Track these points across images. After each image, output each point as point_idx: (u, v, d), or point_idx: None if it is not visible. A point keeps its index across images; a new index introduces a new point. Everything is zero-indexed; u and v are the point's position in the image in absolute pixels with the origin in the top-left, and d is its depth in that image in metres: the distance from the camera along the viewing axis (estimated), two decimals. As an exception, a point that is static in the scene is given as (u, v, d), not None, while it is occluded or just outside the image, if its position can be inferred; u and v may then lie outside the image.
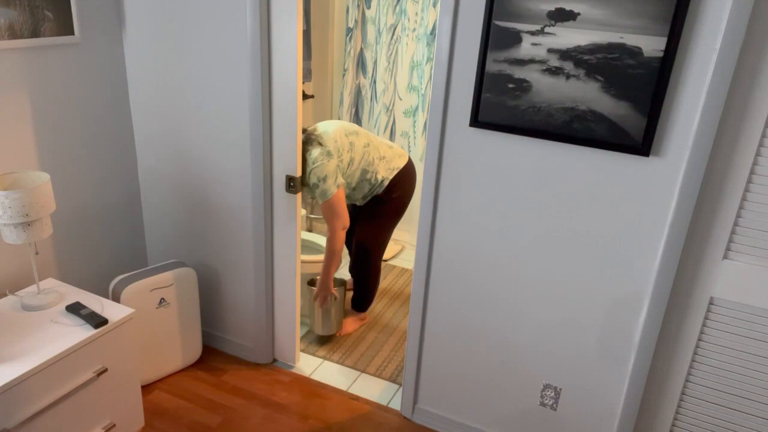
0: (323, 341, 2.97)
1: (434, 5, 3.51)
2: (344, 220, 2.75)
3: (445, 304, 2.24)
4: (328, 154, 2.62)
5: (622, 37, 1.66)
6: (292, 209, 2.48)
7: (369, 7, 3.74)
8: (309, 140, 2.66)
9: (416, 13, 3.59)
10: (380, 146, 2.86)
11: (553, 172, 1.91)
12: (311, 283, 2.94)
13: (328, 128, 2.73)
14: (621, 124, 1.74)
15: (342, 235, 2.78)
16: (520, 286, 2.09)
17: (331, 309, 2.86)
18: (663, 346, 1.96)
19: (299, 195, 2.46)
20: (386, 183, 2.84)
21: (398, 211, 2.94)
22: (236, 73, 2.32)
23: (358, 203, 2.96)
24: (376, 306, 3.35)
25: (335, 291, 2.86)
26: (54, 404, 1.88)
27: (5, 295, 2.21)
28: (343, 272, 3.72)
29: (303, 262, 3.06)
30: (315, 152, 2.61)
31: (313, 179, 2.62)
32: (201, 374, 2.69)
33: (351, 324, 3.10)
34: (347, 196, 2.89)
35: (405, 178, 2.88)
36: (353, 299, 3.12)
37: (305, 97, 3.91)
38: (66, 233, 2.45)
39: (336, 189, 2.66)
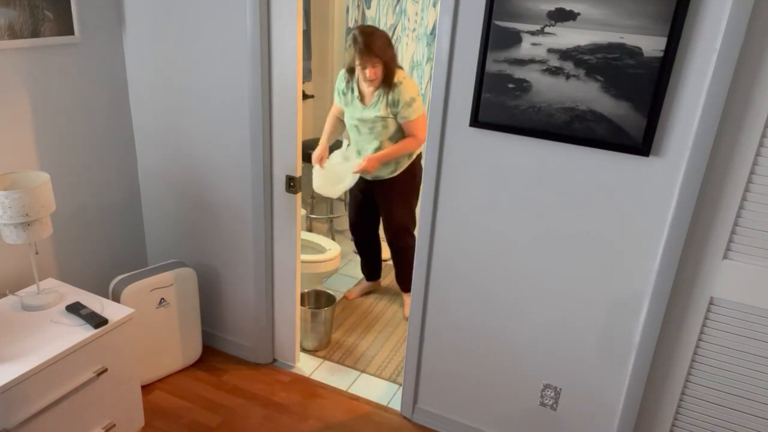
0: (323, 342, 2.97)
1: (434, 5, 3.51)
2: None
3: (445, 304, 2.24)
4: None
5: (622, 37, 1.66)
6: (292, 209, 2.48)
7: (369, 7, 3.74)
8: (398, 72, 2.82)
9: (416, 13, 3.59)
10: None
11: (553, 172, 1.91)
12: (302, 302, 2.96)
13: None
14: (621, 124, 1.74)
15: (421, 145, 2.86)
16: (520, 286, 2.09)
17: (320, 325, 2.86)
18: (663, 346, 1.96)
19: (299, 195, 2.46)
20: (415, 153, 2.96)
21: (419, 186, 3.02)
22: (236, 73, 2.32)
23: (384, 176, 2.98)
24: (377, 306, 3.35)
25: (326, 310, 2.88)
26: (54, 404, 1.88)
27: (5, 295, 2.21)
28: (357, 272, 3.72)
29: (303, 262, 3.06)
30: (402, 72, 2.79)
31: (410, 93, 2.77)
32: (201, 374, 2.69)
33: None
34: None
35: None
36: (402, 279, 3.23)
37: (305, 97, 3.91)
38: (66, 233, 2.45)
39: (425, 108, 2.82)
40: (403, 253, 3.14)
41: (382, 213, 3.11)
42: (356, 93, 2.86)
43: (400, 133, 2.88)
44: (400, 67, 2.85)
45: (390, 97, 2.78)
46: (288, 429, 2.40)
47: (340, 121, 3.11)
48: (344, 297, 3.36)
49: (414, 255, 3.02)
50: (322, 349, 2.93)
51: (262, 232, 2.52)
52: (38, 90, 2.22)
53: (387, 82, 2.78)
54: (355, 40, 2.70)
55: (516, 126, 1.88)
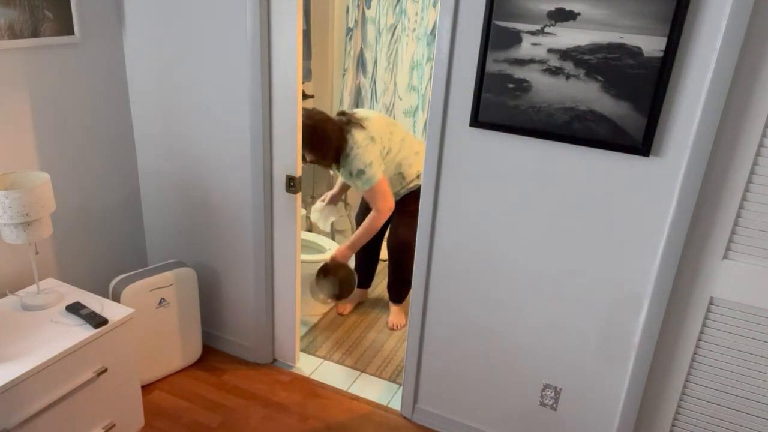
0: (323, 340, 2.97)
1: (434, 5, 3.51)
2: (390, 201, 2.70)
3: (445, 304, 2.24)
4: (372, 139, 2.57)
5: (622, 37, 1.66)
6: (292, 209, 2.48)
7: (369, 7, 3.74)
8: (350, 123, 2.61)
9: (416, 13, 3.59)
10: (414, 142, 2.88)
11: (553, 172, 1.91)
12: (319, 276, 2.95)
13: (369, 114, 2.70)
14: (621, 124, 1.74)
15: (386, 216, 2.73)
16: (521, 285, 2.09)
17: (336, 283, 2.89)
18: (663, 346, 1.96)
19: (299, 195, 2.46)
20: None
21: None
22: (236, 73, 2.32)
23: (402, 193, 2.93)
24: (376, 306, 3.35)
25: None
26: (54, 404, 1.88)
27: (5, 295, 2.21)
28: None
29: (303, 262, 3.06)
30: (358, 136, 2.55)
31: (358, 165, 2.56)
32: (201, 374, 2.69)
33: (401, 318, 3.13)
34: None
35: None
36: (394, 290, 3.14)
37: (305, 97, 3.90)
38: (66, 233, 2.45)
39: (381, 175, 2.63)
40: (401, 265, 3.05)
41: (390, 225, 3.05)
42: None
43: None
44: (363, 127, 2.65)
45: (344, 168, 2.67)
46: (288, 429, 2.40)
47: None
48: (338, 313, 3.25)
49: (411, 270, 3.00)
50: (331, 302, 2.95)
51: (262, 232, 2.52)
52: (38, 90, 2.22)
53: (334, 158, 2.64)
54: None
55: (516, 126, 1.88)
